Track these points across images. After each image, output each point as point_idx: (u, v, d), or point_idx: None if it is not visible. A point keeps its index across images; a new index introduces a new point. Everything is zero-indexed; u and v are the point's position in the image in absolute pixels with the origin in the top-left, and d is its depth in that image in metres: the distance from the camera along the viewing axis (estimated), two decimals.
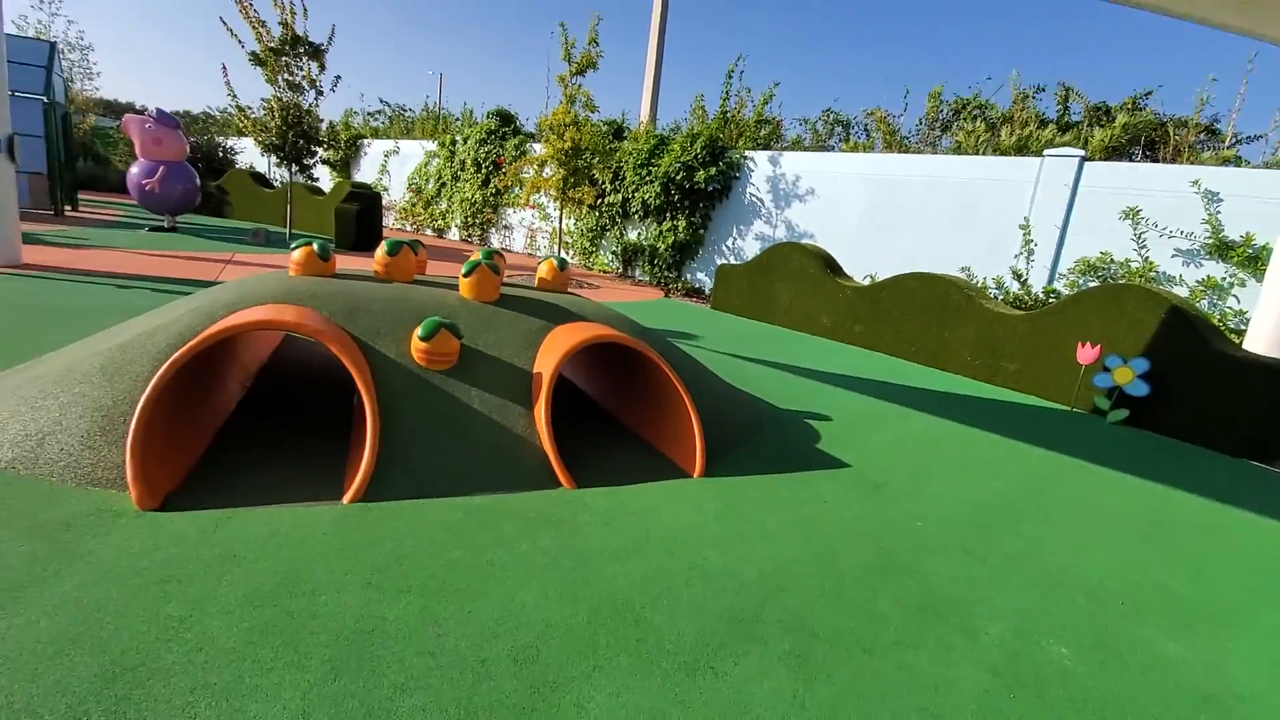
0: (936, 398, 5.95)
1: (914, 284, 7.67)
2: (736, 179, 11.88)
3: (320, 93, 11.69)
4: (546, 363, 3.45)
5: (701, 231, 12.23)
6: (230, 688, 1.68)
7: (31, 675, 1.65)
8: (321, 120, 12.15)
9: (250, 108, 11.40)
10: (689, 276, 12.63)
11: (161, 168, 10.74)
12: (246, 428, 3.36)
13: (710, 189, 11.93)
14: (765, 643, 2.14)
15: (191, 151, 20.79)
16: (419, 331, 3.29)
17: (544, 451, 3.24)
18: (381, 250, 3.93)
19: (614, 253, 13.85)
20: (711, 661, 2.03)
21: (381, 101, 26.50)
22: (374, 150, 20.36)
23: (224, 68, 11.14)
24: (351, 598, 2.10)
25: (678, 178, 11.94)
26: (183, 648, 1.79)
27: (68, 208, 12.54)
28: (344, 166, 20.90)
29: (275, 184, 16.50)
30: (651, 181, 12.42)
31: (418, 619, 2.04)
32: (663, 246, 12.42)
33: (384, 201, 20.11)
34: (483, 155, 16.78)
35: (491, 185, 16.33)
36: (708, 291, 11.98)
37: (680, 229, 12.22)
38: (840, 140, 12.75)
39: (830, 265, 8.85)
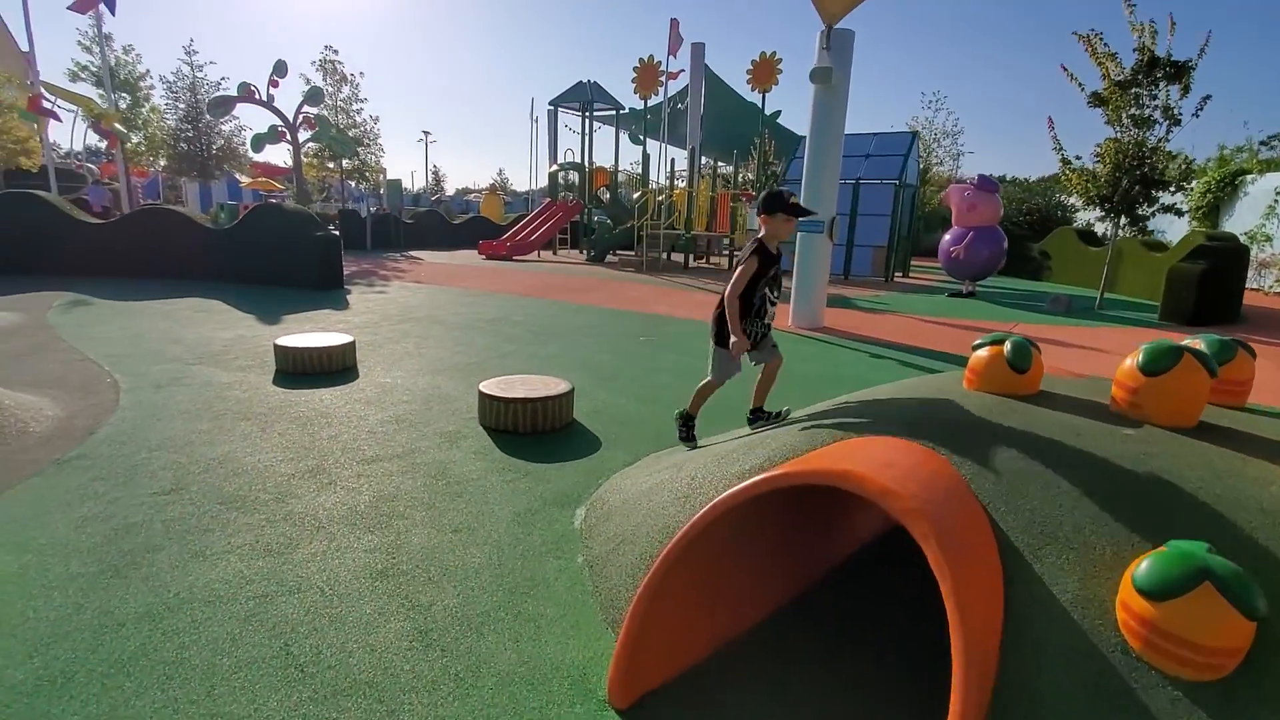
0: None
1: None
2: None
3: (1177, 122, 9.06)
4: None
5: None
6: None
7: None
8: (1174, 155, 9.43)
9: (1079, 157, 9.93)
10: None
11: (970, 234, 10.69)
12: (825, 607, 2.31)
13: None
14: None
15: (1024, 213, 20.77)
16: (1136, 572, 1.42)
17: None
18: (1132, 362, 2.07)
19: None
20: None
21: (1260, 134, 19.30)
22: (1257, 189, 14.89)
23: (1049, 120, 10.01)
24: None
25: None
26: None
27: (898, 274, 14.36)
28: (1210, 212, 16.24)
29: (1105, 240, 14.27)
30: None
31: None
32: None
33: (1261, 256, 14.56)
34: None
35: None
36: None
37: None
38: None
39: None
